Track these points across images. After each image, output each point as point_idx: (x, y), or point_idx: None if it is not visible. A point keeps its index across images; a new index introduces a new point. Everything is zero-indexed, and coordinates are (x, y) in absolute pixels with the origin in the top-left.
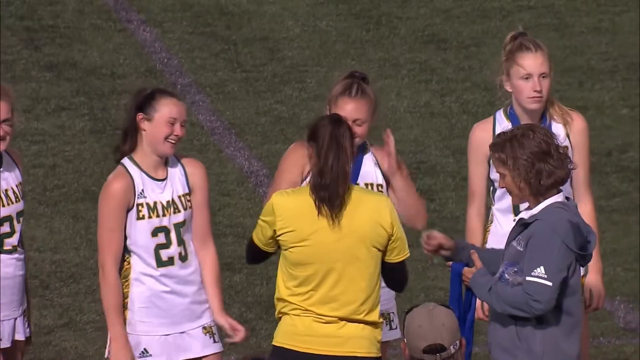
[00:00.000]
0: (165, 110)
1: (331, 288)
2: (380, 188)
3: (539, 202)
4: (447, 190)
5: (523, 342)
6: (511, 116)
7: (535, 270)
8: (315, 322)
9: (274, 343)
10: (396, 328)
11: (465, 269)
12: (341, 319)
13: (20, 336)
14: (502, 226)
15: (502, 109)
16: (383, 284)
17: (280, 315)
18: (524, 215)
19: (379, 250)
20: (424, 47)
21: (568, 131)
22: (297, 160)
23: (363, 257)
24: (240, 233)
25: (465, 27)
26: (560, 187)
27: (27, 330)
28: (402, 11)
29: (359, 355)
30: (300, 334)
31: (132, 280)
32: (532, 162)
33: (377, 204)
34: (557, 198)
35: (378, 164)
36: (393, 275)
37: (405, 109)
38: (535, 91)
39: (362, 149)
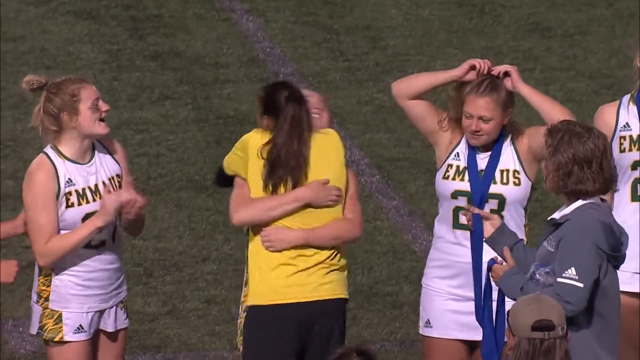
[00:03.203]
0: None
1: None
2: (516, 174)
3: (570, 202)
4: None
5: None
6: (637, 99)
7: (566, 272)
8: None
9: None
10: None
11: (495, 265)
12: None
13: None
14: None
15: (631, 93)
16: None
17: None
18: (556, 215)
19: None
20: (528, 35)
21: None
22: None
23: None
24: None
25: (570, 15)
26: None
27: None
28: None
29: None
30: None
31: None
32: (567, 162)
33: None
34: (591, 199)
35: (517, 150)
36: None
37: None
38: None
39: (502, 137)
